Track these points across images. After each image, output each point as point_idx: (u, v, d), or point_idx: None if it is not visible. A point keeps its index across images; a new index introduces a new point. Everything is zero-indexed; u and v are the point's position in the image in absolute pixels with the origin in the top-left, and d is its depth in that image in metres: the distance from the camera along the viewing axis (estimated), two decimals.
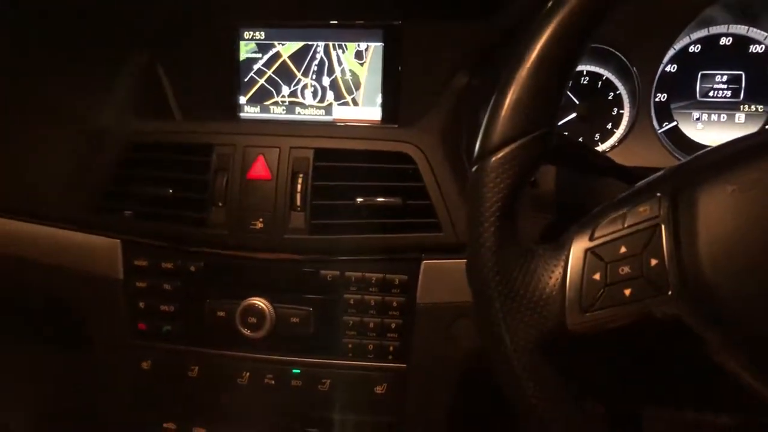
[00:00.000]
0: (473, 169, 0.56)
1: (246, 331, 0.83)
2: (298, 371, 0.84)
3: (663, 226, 0.50)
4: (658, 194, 0.52)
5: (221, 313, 0.84)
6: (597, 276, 0.52)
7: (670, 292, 0.49)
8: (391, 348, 0.83)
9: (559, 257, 0.54)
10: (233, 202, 0.83)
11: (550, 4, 0.54)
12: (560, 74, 0.54)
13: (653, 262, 0.50)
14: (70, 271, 0.89)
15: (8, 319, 1.11)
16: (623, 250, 0.51)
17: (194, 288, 0.86)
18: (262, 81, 0.97)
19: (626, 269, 0.51)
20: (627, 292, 0.50)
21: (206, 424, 0.89)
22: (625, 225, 0.52)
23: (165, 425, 0.90)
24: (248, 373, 0.85)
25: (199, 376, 0.87)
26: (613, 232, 0.52)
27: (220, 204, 0.83)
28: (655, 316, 0.50)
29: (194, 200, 0.84)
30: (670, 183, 0.53)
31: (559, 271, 0.53)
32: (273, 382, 0.85)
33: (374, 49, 0.92)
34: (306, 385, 0.84)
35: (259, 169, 0.82)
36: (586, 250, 0.53)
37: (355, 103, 0.94)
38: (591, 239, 0.53)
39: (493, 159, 0.54)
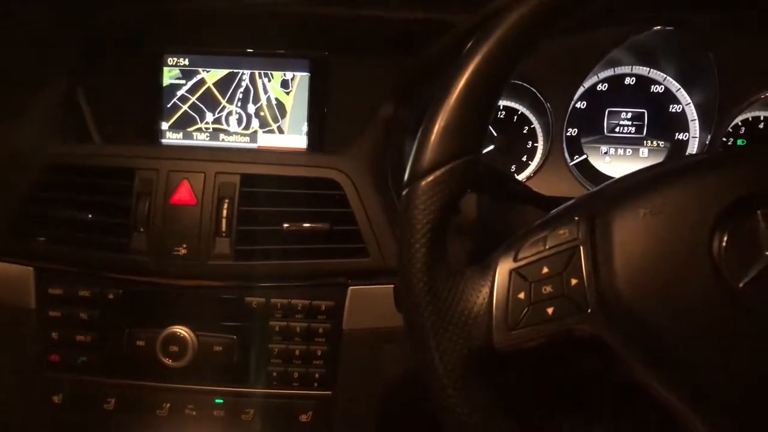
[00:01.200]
0: (404, 192, 0.57)
1: (167, 361, 0.80)
2: (221, 401, 0.82)
3: (582, 248, 0.53)
4: (576, 218, 0.55)
5: (141, 343, 0.81)
6: (522, 295, 0.54)
7: (589, 310, 0.51)
8: (317, 375, 0.82)
9: (485, 278, 0.56)
10: (156, 228, 0.81)
11: (476, 38, 0.57)
12: (486, 104, 0.57)
13: (573, 281, 0.52)
14: None
15: None
16: (545, 270, 0.54)
17: (113, 317, 0.83)
18: (185, 107, 0.96)
19: (549, 288, 0.53)
20: (549, 310, 0.52)
21: None
22: (547, 246, 0.55)
23: None
24: (169, 404, 0.82)
25: (116, 408, 0.83)
26: (536, 254, 0.55)
27: (142, 230, 0.81)
28: (576, 333, 0.53)
29: (115, 225, 0.82)
30: (588, 207, 0.56)
31: (486, 290, 0.55)
32: (194, 412, 0.82)
33: (300, 78, 0.93)
34: (229, 415, 0.82)
35: (184, 194, 0.81)
36: (511, 271, 0.55)
37: (280, 131, 0.95)
38: (515, 260, 0.56)
39: (423, 183, 0.56)
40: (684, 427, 0.50)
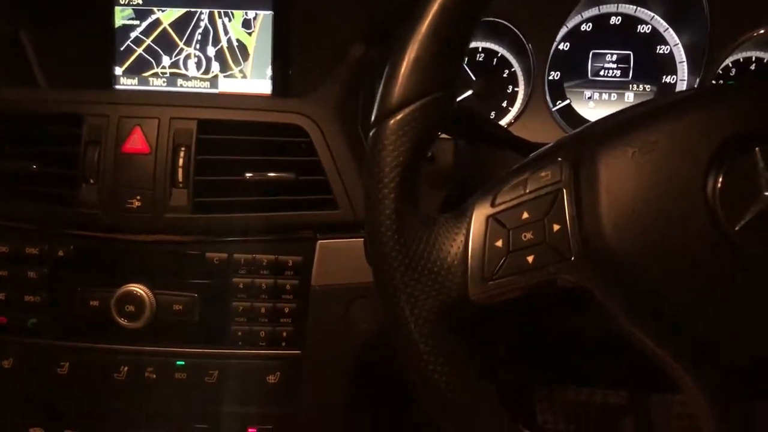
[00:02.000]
0: (371, 132, 0.52)
1: (123, 321, 0.75)
2: (183, 363, 0.78)
3: (565, 191, 0.49)
4: (560, 159, 0.51)
5: (94, 302, 0.76)
6: (499, 243, 0.50)
7: (572, 258, 0.48)
8: (285, 334, 0.77)
9: (460, 225, 0.52)
10: (107, 179, 0.75)
11: None
12: (460, 34, 0.52)
13: (555, 227, 0.49)
14: None
15: None
16: (526, 215, 0.50)
17: (64, 275, 0.77)
18: (140, 50, 0.89)
19: (529, 235, 0.49)
20: (530, 258, 0.49)
21: (79, 426, 0.80)
22: (527, 190, 0.51)
23: (31, 430, 0.80)
24: (126, 368, 0.78)
25: (69, 373, 0.78)
26: (515, 198, 0.51)
27: (92, 181, 0.75)
28: (558, 283, 0.49)
29: (62, 176, 0.76)
30: (572, 148, 0.52)
31: (460, 239, 0.51)
32: (154, 376, 0.77)
33: (263, 17, 0.87)
34: (192, 378, 0.77)
35: (136, 141, 0.74)
36: (488, 217, 0.51)
37: (243, 75, 0.88)
38: (493, 205, 0.52)
39: (392, 121, 0.51)
40: (673, 378, 0.47)
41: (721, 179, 0.46)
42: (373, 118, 0.53)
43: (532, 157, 0.55)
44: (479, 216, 0.52)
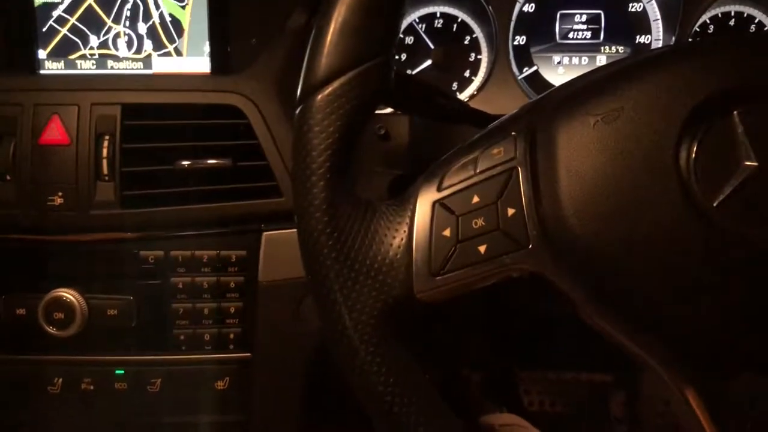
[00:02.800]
0: (297, 110, 0.46)
1: (52, 330, 0.69)
2: (122, 372, 0.72)
3: (520, 170, 0.44)
4: (513, 133, 0.45)
5: (21, 311, 0.70)
6: (447, 232, 0.44)
7: (530, 246, 0.42)
8: (232, 336, 0.72)
9: (403, 213, 0.46)
10: (24, 174, 0.68)
11: None
12: None
13: (510, 211, 0.43)
14: None
15: None
16: (476, 199, 0.44)
17: None
18: (64, 30, 0.81)
19: (480, 222, 0.44)
20: (482, 248, 0.43)
21: None
22: (477, 170, 0.45)
23: None
24: (61, 379, 0.72)
25: (1, 387, 0.71)
26: (464, 180, 0.45)
27: (8, 177, 0.68)
28: (516, 273, 0.43)
29: None
30: (527, 119, 0.46)
31: (403, 229, 0.45)
32: (92, 387, 0.72)
33: None
34: (133, 388, 0.72)
35: (54, 132, 0.67)
36: (434, 203, 0.45)
37: (178, 53, 0.80)
38: (439, 189, 0.46)
39: (319, 97, 0.45)
40: (641, 366, 0.43)
41: (695, 149, 0.41)
42: (298, 94, 0.46)
43: (483, 132, 0.48)
44: (424, 202, 0.46)
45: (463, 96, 0.86)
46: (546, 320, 0.79)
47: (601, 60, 0.87)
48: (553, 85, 0.87)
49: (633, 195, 0.40)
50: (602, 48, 0.87)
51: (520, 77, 0.86)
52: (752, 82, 0.41)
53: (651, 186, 0.40)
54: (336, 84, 0.44)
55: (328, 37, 0.45)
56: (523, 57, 0.87)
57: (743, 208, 0.40)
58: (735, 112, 0.41)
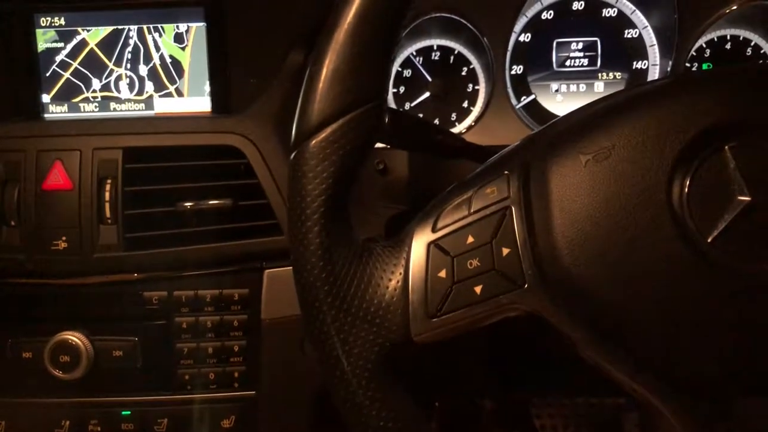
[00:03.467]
0: (291, 157, 0.46)
1: (59, 373, 0.69)
2: (128, 413, 0.72)
3: (513, 209, 0.44)
4: (506, 172, 0.46)
5: (27, 354, 0.70)
6: (443, 273, 0.44)
7: (526, 285, 0.42)
8: (236, 374, 0.72)
9: (399, 255, 0.46)
10: (28, 220, 0.68)
11: None
12: (385, 35, 0.46)
13: (505, 251, 0.43)
14: None
15: None
16: (471, 240, 0.44)
17: None
18: (67, 75, 0.82)
19: (475, 262, 0.44)
20: (477, 289, 0.43)
21: None
22: (471, 210, 0.45)
23: None
24: (68, 422, 0.72)
25: (8, 430, 0.72)
26: (458, 220, 0.45)
27: (13, 223, 0.69)
28: (513, 313, 0.43)
29: None
30: (520, 158, 0.46)
31: (399, 271, 0.46)
32: (99, 428, 0.71)
33: (196, 30, 0.80)
34: (139, 429, 0.72)
35: (57, 177, 0.68)
36: (429, 244, 0.46)
37: (179, 93, 0.81)
38: (434, 230, 0.46)
39: (313, 143, 0.45)
40: (640, 404, 0.43)
41: (688, 185, 0.41)
42: (291, 140, 0.46)
43: (477, 171, 0.48)
44: (419, 243, 0.46)
45: (462, 126, 0.87)
46: (553, 348, 0.79)
47: (599, 86, 0.88)
48: (551, 114, 0.87)
49: (627, 233, 0.40)
50: (599, 74, 0.87)
51: (518, 106, 0.87)
52: (742, 117, 0.41)
53: (645, 224, 0.40)
54: (329, 130, 0.45)
55: (320, 84, 0.45)
56: (521, 86, 0.87)
57: (738, 242, 0.40)
58: (726, 147, 0.41)
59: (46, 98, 0.83)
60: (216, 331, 0.70)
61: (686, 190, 0.41)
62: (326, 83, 0.45)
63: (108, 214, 0.68)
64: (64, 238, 0.68)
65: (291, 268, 0.69)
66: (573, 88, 0.88)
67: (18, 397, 0.72)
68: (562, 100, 0.88)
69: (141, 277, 0.70)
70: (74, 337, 0.69)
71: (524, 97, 0.87)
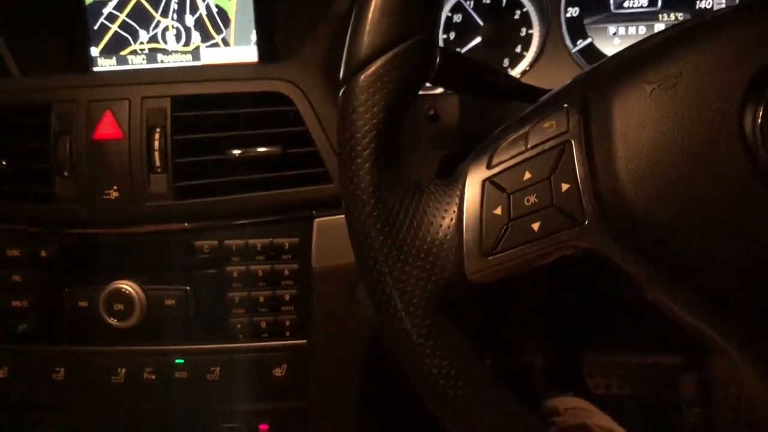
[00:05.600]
0: (340, 92, 0.45)
1: (113, 321, 0.70)
2: (182, 361, 0.72)
3: (573, 143, 0.41)
4: (566, 105, 0.43)
5: (83, 303, 0.71)
6: (498, 210, 0.42)
7: (586, 222, 0.40)
8: (288, 323, 0.71)
9: (452, 193, 0.45)
10: (81, 170, 0.69)
11: None
12: None
13: (564, 186, 0.41)
14: None
15: None
16: (528, 176, 0.42)
17: (49, 276, 0.72)
18: (115, 27, 0.82)
19: (533, 199, 0.42)
20: (535, 226, 0.41)
21: (85, 430, 0.75)
22: (529, 146, 0.43)
23: None
24: (124, 369, 0.73)
25: (66, 378, 0.74)
26: (515, 156, 0.43)
27: (66, 173, 0.69)
28: (571, 251, 0.41)
29: (36, 171, 0.70)
30: (579, 91, 0.44)
31: (453, 209, 0.44)
32: (154, 376, 0.73)
33: None
34: (193, 376, 0.72)
35: (107, 127, 0.68)
36: (484, 181, 0.44)
37: (225, 43, 0.81)
38: (489, 167, 0.44)
39: (362, 77, 0.44)
40: (710, 347, 0.40)
41: (761, 112, 0.37)
42: (340, 75, 0.45)
43: (533, 107, 0.46)
44: (474, 180, 0.44)
45: (515, 72, 0.84)
46: (609, 300, 0.77)
47: (660, 29, 0.83)
48: (611, 55, 0.83)
49: (694, 164, 0.38)
50: (660, 15, 0.83)
51: (573, 51, 0.83)
52: None
53: (714, 153, 0.38)
54: (378, 63, 0.43)
55: (369, 16, 0.44)
56: (577, 29, 0.84)
57: None
58: None
59: (94, 51, 0.83)
60: (267, 280, 0.70)
61: (759, 118, 0.38)
62: (375, 16, 0.44)
63: (158, 162, 0.68)
64: (115, 188, 0.68)
65: (341, 216, 0.68)
66: (632, 30, 0.84)
67: (76, 346, 0.73)
68: (619, 44, 0.84)
69: (191, 227, 0.70)
70: (127, 286, 0.70)
71: (580, 41, 0.84)
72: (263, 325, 0.71)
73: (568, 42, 0.83)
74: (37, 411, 0.77)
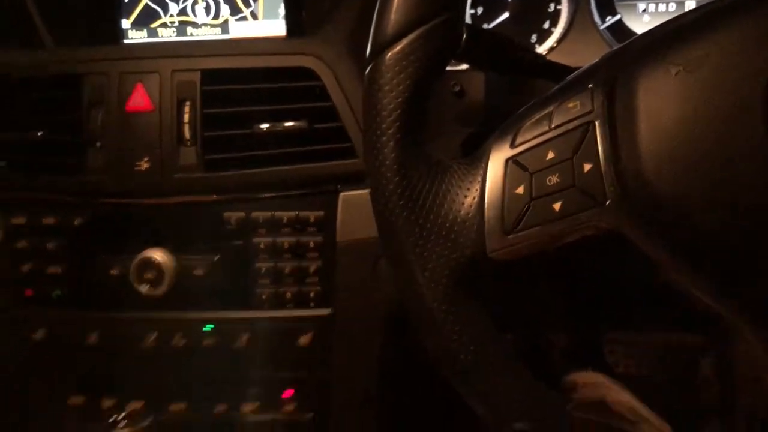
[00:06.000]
0: (366, 70, 0.45)
1: (144, 289, 0.72)
2: (211, 328, 0.74)
3: (597, 123, 0.41)
4: (590, 85, 0.43)
5: (114, 271, 0.73)
6: (520, 190, 0.43)
7: (607, 202, 0.40)
8: (312, 294, 0.73)
9: (475, 172, 0.45)
10: (112, 141, 0.71)
11: None
12: None
13: (587, 167, 0.41)
14: None
15: None
16: (551, 155, 0.42)
17: (82, 245, 0.75)
18: (145, 0, 0.83)
19: (555, 179, 0.42)
20: (556, 206, 0.42)
21: (115, 394, 0.78)
22: (552, 125, 0.43)
23: (70, 400, 0.79)
24: (155, 335, 0.75)
25: (99, 342, 0.76)
26: (538, 136, 0.43)
27: (98, 144, 0.71)
28: (591, 231, 0.41)
29: (69, 142, 0.72)
30: (604, 71, 0.44)
31: (476, 188, 0.44)
32: (183, 342, 0.75)
33: None
34: (221, 343, 0.74)
35: (139, 99, 0.70)
36: (507, 160, 0.44)
37: (254, 16, 0.81)
38: (512, 146, 0.44)
39: (388, 55, 0.44)
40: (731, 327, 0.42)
41: None
42: (367, 53, 0.46)
43: (558, 87, 0.46)
44: (497, 159, 0.45)
45: (543, 49, 0.84)
46: (631, 280, 0.77)
47: (691, 5, 0.82)
48: (637, 35, 0.83)
49: (719, 146, 0.38)
50: None
51: (602, 27, 0.83)
52: None
53: (739, 135, 0.38)
54: (405, 41, 0.44)
55: None
56: (605, 5, 0.83)
57: None
58: None
59: (125, 24, 0.84)
60: (292, 251, 0.72)
61: None
62: None
63: (188, 135, 0.69)
64: (146, 159, 0.70)
65: (366, 191, 0.69)
66: (662, 7, 0.83)
67: (108, 312, 0.76)
68: (649, 21, 0.83)
69: (220, 198, 0.72)
70: (158, 255, 0.71)
71: (609, 18, 0.83)
72: (288, 295, 0.73)
73: (597, 18, 0.82)
74: (71, 373, 0.80)
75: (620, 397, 0.90)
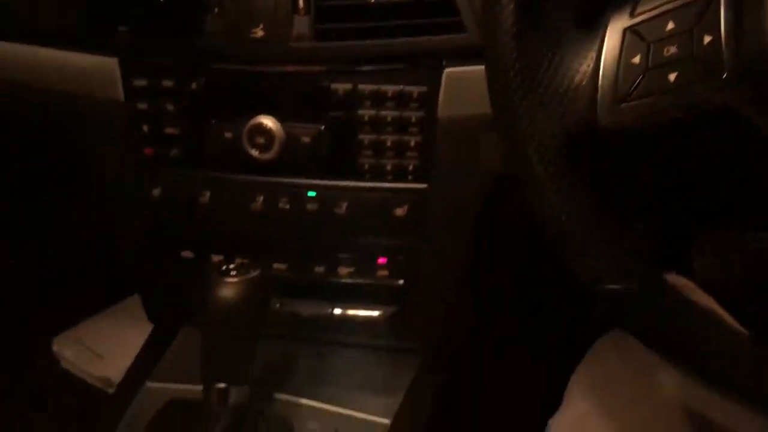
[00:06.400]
0: None
1: (255, 153, 0.76)
2: (314, 194, 0.79)
3: None
4: None
5: (228, 134, 0.78)
6: (637, 59, 0.43)
7: (725, 75, 0.39)
8: (411, 167, 0.76)
9: (592, 41, 0.45)
10: (230, 7, 0.73)
11: None
12: None
13: (707, 39, 0.40)
14: (69, 94, 0.83)
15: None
16: (671, 26, 0.42)
17: (198, 107, 0.79)
18: None
19: (672, 49, 0.41)
20: (672, 76, 0.41)
21: (223, 251, 0.85)
22: None
23: (182, 254, 0.87)
24: (262, 197, 0.80)
25: (211, 201, 0.82)
26: (660, 6, 0.43)
27: (216, 10, 0.74)
28: (705, 105, 0.41)
29: (188, 7, 0.75)
30: None
31: (591, 56, 0.45)
32: (288, 206, 0.80)
33: None
34: (323, 209, 0.79)
35: None
36: (625, 30, 0.44)
37: None
38: (632, 15, 0.44)
39: None
40: None
41: None
42: None
43: None
44: (615, 29, 0.45)
45: None
46: (731, 177, 0.75)
47: None
48: None
49: None
50: None
51: None
52: None
53: None
54: None
55: None
56: None
57: None
58: None
59: None
60: (395, 125, 0.74)
61: None
62: None
63: (302, 4, 0.71)
64: (261, 26, 0.72)
65: (470, 68, 0.71)
66: None
67: (220, 173, 0.81)
68: None
69: (329, 69, 0.74)
70: (269, 121, 0.75)
71: None
72: (388, 167, 0.76)
73: None
74: (184, 230, 0.86)
75: (704, 301, 0.91)
